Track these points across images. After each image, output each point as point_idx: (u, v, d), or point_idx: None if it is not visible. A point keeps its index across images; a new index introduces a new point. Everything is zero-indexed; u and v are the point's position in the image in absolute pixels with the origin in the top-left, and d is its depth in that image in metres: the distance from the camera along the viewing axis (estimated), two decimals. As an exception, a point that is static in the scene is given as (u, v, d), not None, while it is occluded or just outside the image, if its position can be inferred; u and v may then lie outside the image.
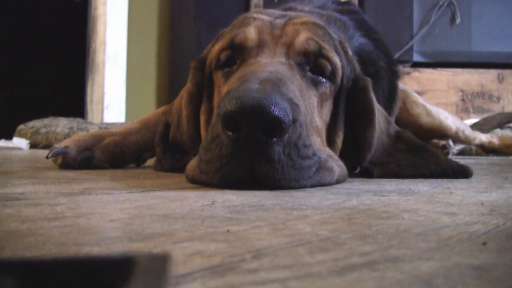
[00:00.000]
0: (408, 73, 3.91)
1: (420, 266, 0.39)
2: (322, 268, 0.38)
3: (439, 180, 1.16)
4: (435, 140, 2.25)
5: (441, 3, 4.02)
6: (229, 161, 0.90)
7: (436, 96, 3.90)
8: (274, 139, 0.88)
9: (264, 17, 1.21)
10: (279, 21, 1.19)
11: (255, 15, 1.22)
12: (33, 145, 3.19)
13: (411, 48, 3.99)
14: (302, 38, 1.13)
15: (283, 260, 0.40)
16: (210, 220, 0.58)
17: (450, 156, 2.22)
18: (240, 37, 1.14)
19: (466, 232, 0.53)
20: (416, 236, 0.51)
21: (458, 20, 4.01)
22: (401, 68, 3.32)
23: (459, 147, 2.59)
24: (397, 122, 1.55)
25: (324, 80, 1.14)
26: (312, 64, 1.13)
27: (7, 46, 5.50)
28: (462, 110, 3.94)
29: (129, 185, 0.96)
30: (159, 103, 4.17)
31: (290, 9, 1.49)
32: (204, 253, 0.42)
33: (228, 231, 0.51)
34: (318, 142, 1.05)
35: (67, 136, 3.04)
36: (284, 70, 1.04)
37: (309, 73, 1.13)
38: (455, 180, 1.17)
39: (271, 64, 1.06)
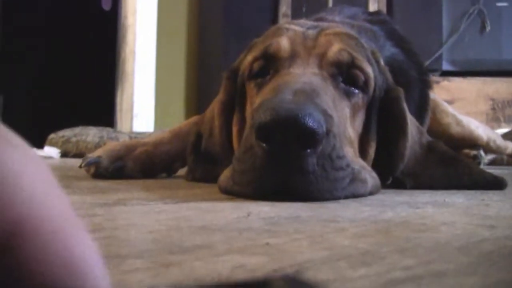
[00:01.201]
0: (438, 82, 3.88)
1: (464, 281, 0.39)
2: (366, 282, 0.38)
3: (473, 192, 1.14)
4: (466, 150, 2.23)
5: (470, 11, 3.99)
6: (263, 172, 0.90)
7: (466, 105, 3.86)
8: (308, 150, 0.88)
9: (297, 27, 1.21)
10: (311, 32, 1.19)
11: (287, 25, 1.23)
12: (63, 154, 3.22)
13: (440, 56, 3.97)
14: (335, 49, 1.13)
15: (326, 274, 0.40)
16: (247, 232, 0.58)
17: (481, 166, 2.20)
18: (273, 48, 1.15)
19: (507, 246, 0.52)
20: (456, 250, 0.50)
21: (488, 28, 3.98)
22: (431, 78, 3.30)
23: (490, 157, 2.56)
24: (427, 132, 1.54)
25: (356, 91, 1.14)
26: (345, 74, 1.13)
27: (38, 56, 5.58)
28: (493, 119, 3.90)
29: (163, 196, 0.96)
30: (187, 112, 4.18)
31: (321, 19, 1.49)
32: (246, 267, 0.42)
33: (267, 243, 0.51)
34: (351, 153, 1.05)
35: (97, 145, 3.06)
36: (317, 81, 1.04)
37: (342, 84, 1.12)
38: (489, 191, 1.16)
39: (304, 75, 1.06)
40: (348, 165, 0.96)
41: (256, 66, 1.17)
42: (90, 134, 3.26)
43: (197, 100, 4.22)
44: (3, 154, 0.24)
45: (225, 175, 1.02)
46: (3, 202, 0.23)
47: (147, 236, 0.56)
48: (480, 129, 2.25)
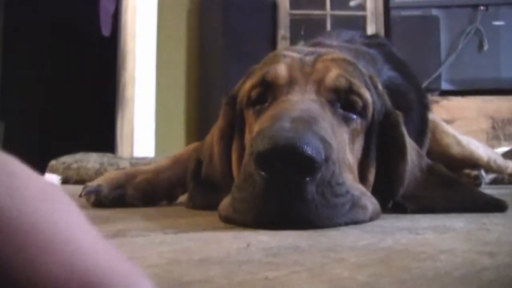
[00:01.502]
0: (437, 102, 3.89)
1: (463, 316, 0.39)
2: (365, 319, 0.38)
3: (474, 215, 1.14)
4: (467, 170, 2.23)
5: (468, 30, 4.01)
6: (262, 201, 0.90)
7: (466, 124, 3.86)
8: (308, 178, 0.88)
9: (294, 54, 1.21)
10: (309, 58, 1.20)
11: (285, 52, 1.23)
12: (64, 181, 3.22)
13: (439, 76, 3.98)
14: (333, 75, 1.14)
15: (325, 311, 0.40)
16: (247, 265, 0.58)
17: (482, 186, 2.19)
18: (271, 75, 1.15)
19: (507, 276, 0.52)
20: (457, 280, 0.50)
21: (486, 47, 3.99)
22: (430, 97, 3.30)
23: (491, 176, 2.55)
24: (427, 153, 1.54)
25: (355, 116, 1.14)
26: (343, 100, 1.14)
27: (39, 83, 5.60)
28: (493, 138, 3.90)
29: (163, 226, 0.96)
30: (188, 137, 4.19)
31: (319, 44, 1.50)
32: (245, 304, 0.42)
33: (266, 278, 0.51)
34: (350, 179, 1.05)
35: (98, 171, 3.06)
36: (316, 108, 1.04)
37: (340, 110, 1.13)
38: (490, 214, 1.16)
39: (303, 101, 1.06)
40: (347, 192, 0.96)
41: (254, 93, 1.17)
42: (91, 160, 3.26)
43: (197, 125, 4.23)
44: (51, 216, 0.25)
45: (224, 203, 1.01)
46: (68, 273, 0.23)
47: (146, 271, 0.55)
48: (481, 149, 2.25)
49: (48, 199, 0.25)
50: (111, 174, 1.47)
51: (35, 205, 0.24)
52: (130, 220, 1.07)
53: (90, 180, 1.49)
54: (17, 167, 0.26)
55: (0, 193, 0.24)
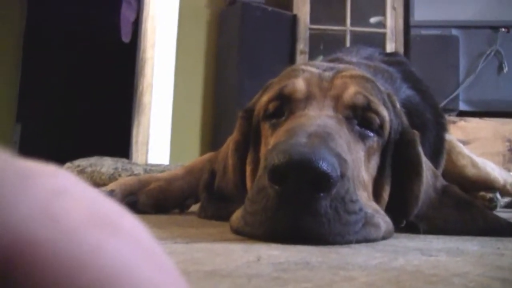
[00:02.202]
0: (454, 122, 3.88)
1: None
2: None
3: (488, 238, 1.13)
4: (482, 193, 2.21)
5: (488, 52, 3.99)
6: (275, 215, 0.89)
7: (483, 146, 3.84)
8: (322, 194, 0.87)
9: (313, 69, 1.21)
10: (327, 74, 1.20)
11: (303, 67, 1.23)
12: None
13: (457, 97, 3.97)
14: (351, 92, 1.13)
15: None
16: (256, 279, 0.57)
17: (497, 209, 2.17)
18: (288, 89, 1.15)
19: (520, 304, 0.51)
20: (468, 306, 0.50)
21: (505, 69, 3.98)
22: (448, 117, 3.29)
23: (506, 199, 2.53)
24: (442, 174, 1.53)
25: (371, 134, 1.14)
26: (360, 117, 1.13)
27: (57, 86, 5.63)
28: (509, 161, 3.88)
29: (174, 235, 0.96)
30: (203, 146, 4.19)
31: (338, 60, 1.49)
32: (253, 320, 0.41)
33: (275, 293, 0.51)
34: (364, 196, 1.04)
35: (111, 176, 3.07)
36: (332, 124, 1.04)
37: (357, 127, 1.12)
38: (505, 238, 1.14)
39: (319, 117, 1.06)
40: (361, 209, 0.95)
41: (271, 106, 1.17)
42: (105, 165, 3.27)
43: (212, 135, 4.24)
44: (107, 246, 0.23)
45: (237, 215, 1.01)
46: None
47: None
48: (496, 172, 2.23)
49: (100, 226, 0.23)
50: (124, 180, 1.47)
51: (79, 236, 0.22)
52: (141, 227, 1.07)
53: (104, 184, 1.50)
54: (68, 188, 0.24)
55: (40, 224, 0.22)
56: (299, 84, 1.15)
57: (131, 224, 0.26)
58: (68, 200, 0.23)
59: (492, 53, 4.00)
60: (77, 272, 0.21)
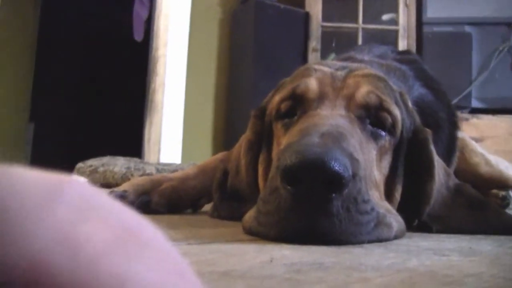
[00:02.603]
0: (467, 120, 3.86)
1: None
2: None
3: (502, 238, 1.12)
4: (495, 191, 2.20)
5: (500, 48, 3.97)
6: (288, 215, 0.89)
7: (496, 143, 3.82)
8: (334, 194, 0.87)
9: (325, 68, 1.21)
10: (340, 73, 1.19)
11: (316, 66, 1.23)
12: (91, 183, 3.24)
13: (469, 94, 3.95)
14: (363, 91, 1.13)
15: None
16: (269, 280, 0.58)
17: (510, 207, 2.16)
18: (301, 88, 1.15)
19: (534, 305, 0.51)
20: (482, 307, 0.49)
21: (518, 66, 3.96)
22: (460, 115, 3.28)
23: (519, 197, 2.52)
24: (455, 172, 1.53)
25: (384, 133, 1.14)
26: (372, 117, 1.13)
27: (70, 85, 5.65)
28: (523, 158, 3.85)
29: (187, 235, 0.96)
30: (215, 146, 4.20)
31: (350, 58, 1.49)
32: (266, 323, 0.41)
33: (288, 295, 0.51)
34: (376, 196, 1.04)
35: (124, 175, 3.08)
36: (345, 124, 1.04)
37: (369, 126, 1.12)
38: (518, 237, 1.14)
39: (332, 117, 1.06)
40: (373, 209, 0.95)
41: (283, 106, 1.17)
42: (118, 164, 3.28)
43: (224, 135, 4.24)
44: (128, 272, 0.22)
45: (249, 215, 1.01)
46: None
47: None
48: (510, 169, 2.22)
49: (125, 247, 0.23)
50: (137, 180, 1.48)
51: (101, 264, 0.22)
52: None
53: (116, 184, 1.50)
54: (93, 205, 0.24)
55: (57, 250, 0.21)
56: (312, 84, 1.15)
57: (160, 243, 0.26)
58: (91, 222, 0.23)
59: (505, 50, 3.98)
60: None
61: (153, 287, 0.23)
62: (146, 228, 0.26)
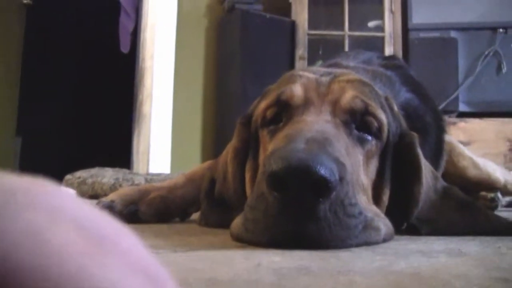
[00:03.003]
0: (454, 123, 3.87)
1: None
2: None
3: (489, 238, 1.13)
4: (483, 193, 2.21)
5: (486, 52, 4.00)
6: (275, 221, 0.89)
7: (484, 147, 3.84)
8: (321, 199, 0.87)
9: (310, 74, 1.21)
10: (324, 79, 1.19)
11: (301, 72, 1.23)
12: (79, 195, 3.24)
13: (456, 98, 3.97)
14: (348, 97, 1.13)
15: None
16: (256, 286, 0.57)
17: (498, 209, 2.17)
18: (286, 95, 1.15)
19: (520, 304, 0.51)
20: (468, 307, 0.49)
21: (504, 70, 3.98)
22: (448, 119, 3.29)
23: (508, 199, 2.53)
24: (443, 175, 1.53)
25: (370, 137, 1.14)
26: (358, 122, 1.13)
27: (56, 98, 5.63)
28: (511, 160, 3.87)
29: (174, 244, 0.96)
30: (204, 155, 4.19)
31: (336, 64, 1.49)
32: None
33: (274, 300, 0.51)
34: (364, 200, 1.04)
35: (112, 186, 3.07)
36: (330, 129, 1.04)
37: (355, 131, 1.12)
38: (505, 238, 1.14)
39: (317, 122, 1.06)
40: (360, 213, 0.95)
41: (269, 113, 1.17)
42: (106, 175, 3.27)
43: (213, 143, 4.24)
44: (97, 271, 0.22)
45: (237, 222, 1.01)
46: None
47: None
48: (498, 172, 2.23)
49: (95, 248, 0.23)
50: (124, 190, 1.47)
51: (70, 262, 0.22)
52: (142, 237, 1.05)
53: (105, 195, 1.50)
54: (62, 208, 0.24)
55: (27, 249, 0.21)
56: (297, 90, 1.15)
57: (128, 244, 0.26)
58: (61, 222, 0.23)
59: (491, 54, 4.00)
60: None
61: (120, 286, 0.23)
62: (123, 235, 0.26)
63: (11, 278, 0.21)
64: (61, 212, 0.24)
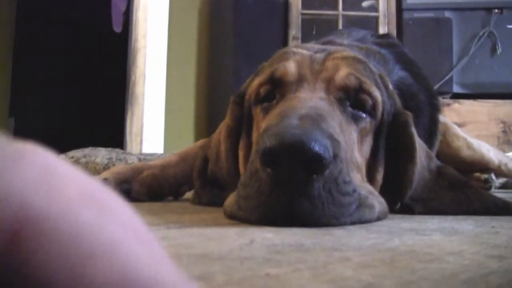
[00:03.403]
0: (448, 105, 3.87)
1: (469, 318, 0.37)
2: (366, 319, 0.37)
3: (483, 218, 1.12)
4: (477, 174, 2.21)
5: (481, 33, 3.98)
6: (268, 198, 0.88)
7: (477, 128, 3.84)
8: (315, 176, 0.86)
9: (304, 51, 1.20)
10: (318, 56, 1.18)
11: (294, 49, 1.22)
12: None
13: (450, 79, 3.96)
14: (343, 74, 1.12)
15: (325, 310, 0.39)
16: (249, 261, 0.57)
17: (492, 190, 2.17)
18: (279, 72, 1.14)
19: (515, 279, 0.51)
20: (463, 283, 0.49)
21: (499, 51, 3.97)
22: (442, 100, 3.29)
23: (501, 180, 2.53)
24: (437, 155, 1.53)
25: (364, 115, 1.13)
26: (352, 99, 1.12)
27: (49, 78, 5.61)
28: (504, 142, 3.87)
29: (167, 221, 0.95)
30: (197, 135, 4.18)
31: (330, 42, 1.48)
32: (243, 301, 0.40)
33: (267, 274, 0.50)
34: (358, 178, 1.04)
35: (106, 166, 3.06)
36: (324, 106, 1.03)
37: (349, 108, 1.11)
38: (500, 217, 1.14)
39: (311, 99, 1.05)
40: (354, 191, 0.94)
41: (262, 90, 1.16)
42: (99, 155, 3.26)
43: (206, 123, 4.22)
44: (101, 221, 0.24)
45: (230, 200, 1.00)
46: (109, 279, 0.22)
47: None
48: (491, 153, 2.23)
49: (91, 204, 0.24)
50: (117, 168, 1.47)
51: (75, 211, 0.23)
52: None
53: (98, 175, 1.49)
54: (58, 167, 0.25)
55: (39, 198, 0.22)
56: (290, 67, 1.14)
57: (117, 204, 0.27)
58: (58, 178, 0.24)
59: (486, 35, 3.99)
60: (76, 245, 0.22)
61: (121, 239, 0.24)
62: (109, 193, 0.26)
63: (29, 225, 0.21)
64: (57, 170, 0.25)
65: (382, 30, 4.08)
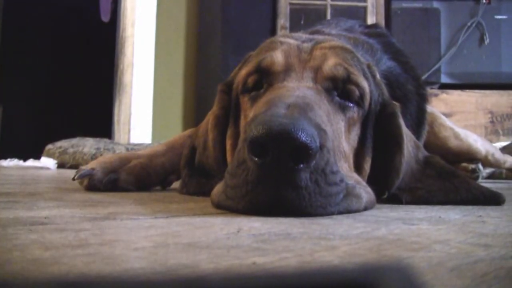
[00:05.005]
0: (436, 95, 3.88)
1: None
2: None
3: (470, 207, 1.13)
4: (464, 164, 2.22)
5: (469, 24, 3.99)
6: (255, 187, 0.88)
7: (465, 118, 3.85)
8: (301, 165, 0.86)
9: (291, 41, 1.20)
10: (306, 45, 1.18)
11: (282, 39, 1.22)
12: (60, 165, 3.22)
13: (438, 69, 3.96)
14: (330, 64, 1.12)
15: (312, 298, 0.38)
16: (235, 250, 0.57)
17: (479, 180, 2.18)
18: (267, 61, 1.13)
19: (503, 268, 0.51)
20: (450, 271, 0.49)
21: (486, 41, 3.98)
22: (429, 90, 3.29)
23: (488, 170, 2.55)
24: (425, 145, 1.53)
25: (352, 105, 1.13)
26: (340, 89, 1.12)
27: (37, 67, 5.57)
28: (492, 133, 3.89)
29: (154, 210, 0.95)
30: (185, 125, 4.17)
31: (318, 32, 1.48)
32: (229, 289, 0.40)
33: (254, 263, 0.50)
34: (345, 168, 1.04)
35: (93, 156, 3.05)
36: (312, 95, 1.03)
37: (336, 98, 1.11)
38: (487, 207, 1.14)
39: (298, 88, 1.04)
40: (342, 180, 0.94)
41: (250, 80, 1.16)
42: (87, 145, 3.25)
43: (194, 112, 4.21)
44: None
45: (217, 189, 1.00)
46: None
47: (132, 254, 0.54)
48: (479, 143, 2.24)
49: None
50: (105, 158, 1.46)
51: None
52: (122, 204, 1.06)
53: (86, 164, 1.48)
54: None
55: None
56: (277, 56, 1.13)
57: None
58: None
59: (474, 25, 3.99)
60: None
61: None
62: None
63: None
64: None
65: (370, 20, 4.08)
